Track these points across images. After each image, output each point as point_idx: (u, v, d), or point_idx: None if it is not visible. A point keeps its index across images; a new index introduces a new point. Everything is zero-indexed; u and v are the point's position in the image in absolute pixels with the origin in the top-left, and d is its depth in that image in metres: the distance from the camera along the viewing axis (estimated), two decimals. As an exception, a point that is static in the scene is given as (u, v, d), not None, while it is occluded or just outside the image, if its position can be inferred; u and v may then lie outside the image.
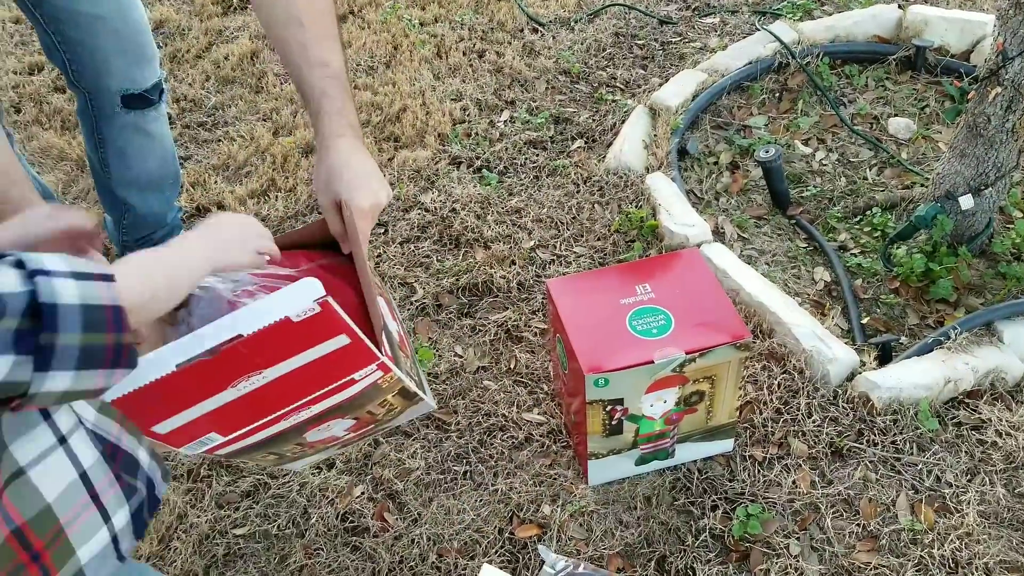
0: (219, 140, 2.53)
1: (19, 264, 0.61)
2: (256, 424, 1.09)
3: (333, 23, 1.10)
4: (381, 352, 1.01)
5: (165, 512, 1.56)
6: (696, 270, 1.50)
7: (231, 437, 1.09)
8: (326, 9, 1.10)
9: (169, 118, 2.59)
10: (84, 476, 0.77)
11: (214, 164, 2.43)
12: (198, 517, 1.56)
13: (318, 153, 1.08)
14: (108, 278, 0.67)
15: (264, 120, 2.59)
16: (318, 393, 1.09)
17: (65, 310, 0.63)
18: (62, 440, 0.74)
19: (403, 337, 1.31)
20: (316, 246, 1.10)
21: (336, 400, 1.13)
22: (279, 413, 1.09)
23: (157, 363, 0.84)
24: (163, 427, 0.95)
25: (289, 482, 1.61)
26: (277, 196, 2.28)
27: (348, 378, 1.10)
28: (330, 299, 0.93)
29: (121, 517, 0.84)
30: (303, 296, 0.93)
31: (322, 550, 1.51)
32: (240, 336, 0.93)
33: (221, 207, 2.24)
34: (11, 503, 0.70)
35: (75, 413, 0.81)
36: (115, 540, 0.83)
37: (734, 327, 1.39)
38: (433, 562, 1.48)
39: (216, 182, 2.34)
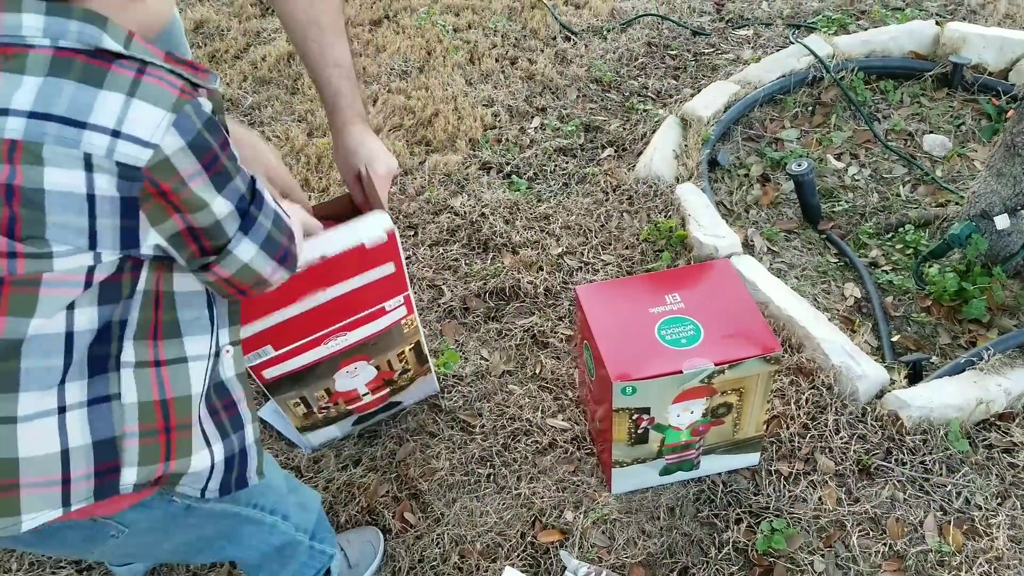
0: (253, 139, 2.56)
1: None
2: (304, 341, 1.33)
3: (342, 22, 1.30)
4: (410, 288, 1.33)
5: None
6: (727, 282, 1.50)
7: (282, 352, 1.32)
8: (337, 10, 1.29)
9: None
10: (64, 453, 0.86)
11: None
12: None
13: (334, 139, 1.31)
14: (288, 215, 0.96)
15: (299, 121, 2.62)
16: (357, 317, 1.35)
17: (267, 202, 0.91)
18: (61, 410, 0.85)
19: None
20: (341, 218, 1.28)
21: (368, 331, 1.40)
22: (324, 332, 1.34)
23: None
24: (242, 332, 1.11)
25: (315, 477, 1.63)
26: (311, 196, 2.30)
27: (381, 306, 1.38)
28: (395, 230, 1.19)
29: (218, 451, 0.96)
30: (378, 227, 1.19)
31: (345, 548, 1.52)
32: (324, 257, 1.17)
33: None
34: (168, 379, 0.88)
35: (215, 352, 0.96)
36: (211, 471, 0.95)
37: (764, 340, 1.38)
38: (455, 563, 1.49)
39: (249, 180, 2.37)
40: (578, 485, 1.60)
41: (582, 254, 2.06)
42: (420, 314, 1.94)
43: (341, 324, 1.34)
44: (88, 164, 0.76)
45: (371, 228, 1.19)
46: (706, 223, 1.98)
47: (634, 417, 1.42)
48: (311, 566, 1.28)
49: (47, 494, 0.83)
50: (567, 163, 2.34)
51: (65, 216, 0.77)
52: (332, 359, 1.40)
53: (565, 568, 1.43)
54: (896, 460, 1.57)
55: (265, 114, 2.66)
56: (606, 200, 2.20)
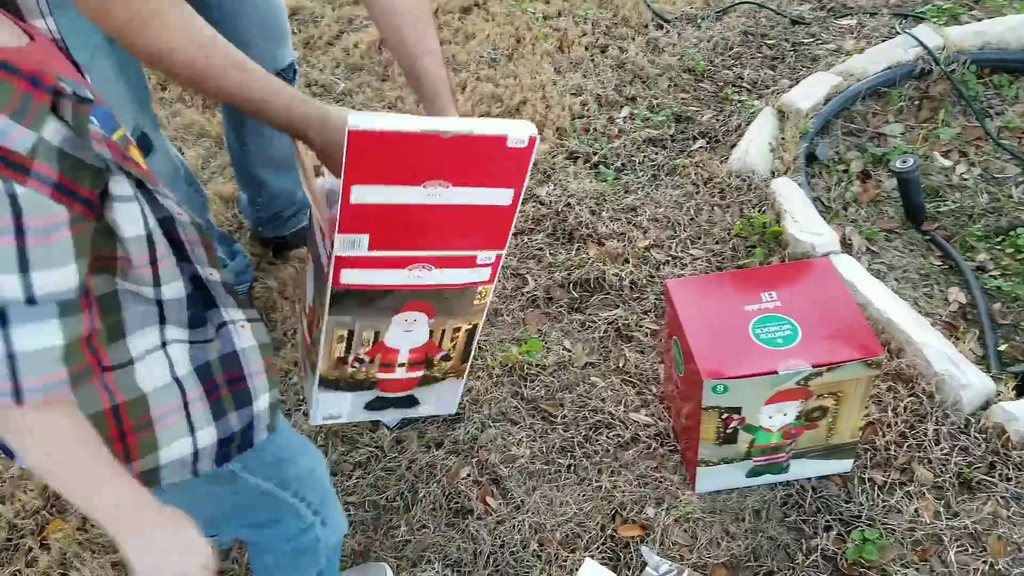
0: (344, 123, 2.61)
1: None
2: (396, 255, 1.28)
3: (430, 9, 1.31)
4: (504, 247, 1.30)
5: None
6: (828, 281, 1.45)
7: (373, 256, 1.27)
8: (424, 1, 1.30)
9: (300, 100, 2.70)
10: (177, 382, 0.85)
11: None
12: (311, 485, 1.62)
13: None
14: None
15: (389, 107, 2.65)
16: (450, 254, 1.32)
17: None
18: (164, 344, 0.84)
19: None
20: None
21: (449, 278, 1.35)
22: (416, 254, 1.30)
23: (407, 122, 1.05)
24: (358, 192, 1.13)
25: (399, 457, 1.65)
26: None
27: (474, 253, 1.34)
28: (537, 140, 1.14)
29: (206, 436, 0.91)
30: (524, 128, 1.15)
31: (427, 527, 1.54)
32: (471, 132, 1.14)
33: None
34: (115, 385, 0.81)
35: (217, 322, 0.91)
36: (196, 456, 0.90)
37: (866, 343, 1.33)
38: (534, 550, 1.49)
39: (340, 163, 2.42)
40: (660, 482, 1.58)
41: (670, 247, 2.03)
42: (504, 303, 1.94)
43: (434, 254, 1.32)
44: None
45: (518, 128, 1.16)
46: (803, 219, 1.92)
47: (724, 416, 1.39)
48: None
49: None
50: (656, 154, 2.30)
51: None
52: (403, 294, 1.37)
53: (646, 564, 1.42)
54: (1000, 475, 1.49)
55: (357, 100, 2.70)
56: (696, 193, 2.16)
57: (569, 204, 2.17)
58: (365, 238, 1.25)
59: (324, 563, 1.18)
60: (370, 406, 1.57)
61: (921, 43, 2.36)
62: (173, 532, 0.85)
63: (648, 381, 1.75)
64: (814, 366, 1.31)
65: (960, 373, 1.57)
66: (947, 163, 2.18)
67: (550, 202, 2.19)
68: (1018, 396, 1.59)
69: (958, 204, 2.06)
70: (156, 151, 1.60)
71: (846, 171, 2.22)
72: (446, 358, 1.53)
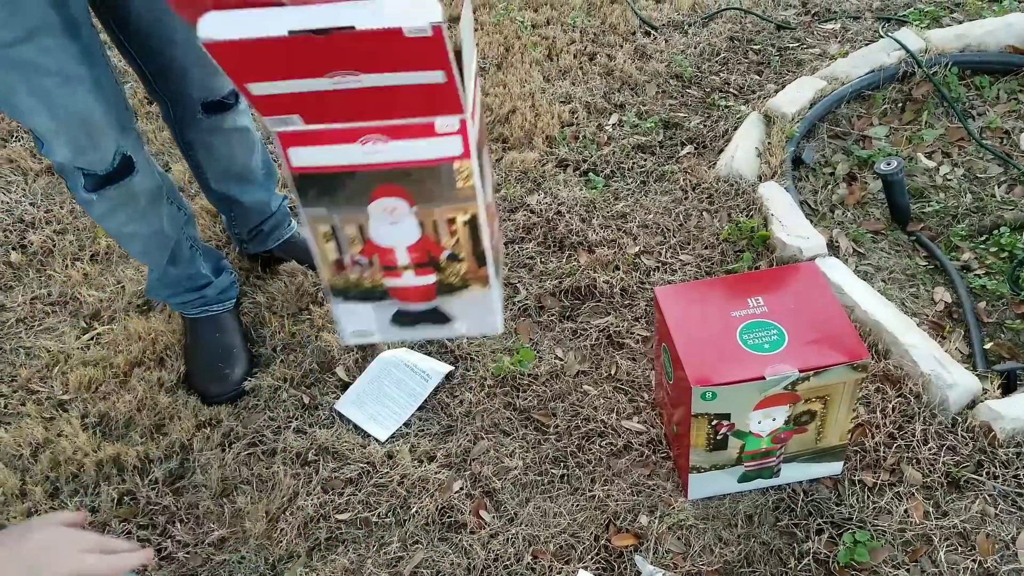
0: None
1: None
2: (337, 127, 1.14)
3: None
4: (468, 113, 1.08)
5: (277, 493, 1.63)
6: (813, 285, 1.46)
7: (312, 130, 1.13)
8: None
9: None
10: None
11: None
12: (304, 500, 1.62)
13: None
14: None
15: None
16: (399, 123, 1.14)
17: None
18: None
19: (492, 207, 1.29)
20: None
21: (411, 152, 1.17)
22: (360, 125, 1.14)
23: (270, 21, 0.89)
24: (257, 88, 1.03)
25: (391, 472, 1.66)
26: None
27: (429, 120, 1.15)
28: (443, 27, 0.94)
29: None
30: (421, 14, 0.95)
31: (420, 542, 1.55)
32: (352, 28, 0.96)
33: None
34: None
35: None
36: None
37: (852, 347, 1.34)
38: (528, 563, 1.50)
39: (330, 177, 2.43)
40: (653, 489, 1.58)
41: (660, 253, 2.04)
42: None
43: (380, 124, 1.15)
44: None
45: (413, 14, 0.97)
46: (790, 223, 1.94)
47: (713, 423, 1.40)
48: None
49: None
50: (645, 160, 2.31)
51: None
52: (368, 176, 1.22)
53: (640, 573, 1.43)
54: (988, 473, 1.51)
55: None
56: (685, 199, 2.17)
57: (559, 212, 2.19)
58: (296, 117, 1.14)
59: None
60: (397, 321, 1.41)
61: (903, 46, 2.38)
62: None
63: (640, 388, 1.76)
64: (801, 371, 1.32)
65: (946, 373, 1.58)
66: (931, 164, 2.20)
67: (540, 210, 2.20)
68: (1004, 394, 1.60)
69: (942, 204, 2.07)
70: (138, 171, 1.60)
71: (832, 174, 2.23)
72: (454, 258, 1.32)
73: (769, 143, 2.25)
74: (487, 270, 1.30)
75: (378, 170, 1.21)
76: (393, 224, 1.29)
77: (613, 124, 2.47)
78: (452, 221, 1.28)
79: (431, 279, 1.33)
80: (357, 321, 1.43)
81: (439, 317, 1.49)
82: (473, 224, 1.26)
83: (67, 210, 2.39)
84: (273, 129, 1.14)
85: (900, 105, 2.37)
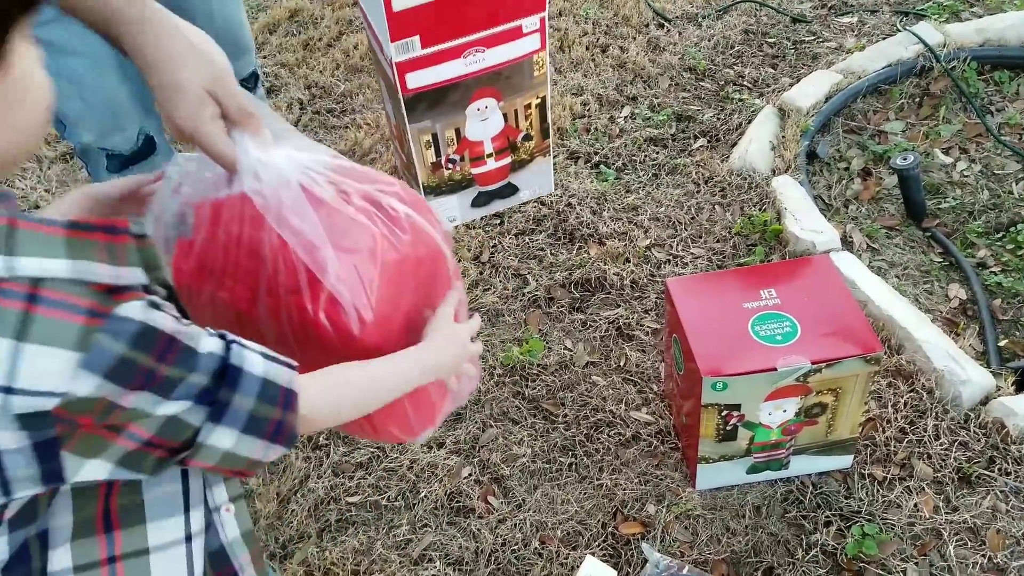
0: (346, 127, 2.61)
1: (222, 335, 0.69)
2: (447, 46, 1.44)
3: None
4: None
5: (288, 475, 1.64)
6: (827, 278, 1.45)
7: (427, 53, 1.42)
8: None
9: (300, 104, 2.71)
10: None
11: (341, 150, 2.52)
12: (315, 483, 1.63)
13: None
14: (292, 366, 0.73)
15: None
16: (495, 31, 1.47)
17: (248, 376, 0.70)
18: (188, 539, 0.74)
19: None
20: None
21: (503, 55, 1.50)
22: (465, 41, 1.45)
23: None
24: (398, 2, 1.29)
25: (400, 457, 1.66)
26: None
27: (518, 23, 1.49)
28: None
29: None
30: None
31: (429, 526, 1.55)
32: None
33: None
34: (123, 573, 0.71)
35: (216, 524, 0.80)
36: None
37: (865, 339, 1.33)
38: (536, 548, 1.50)
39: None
40: (661, 479, 1.58)
41: (671, 247, 2.03)
42: (505, 303, 1.95)
43: (481, 35, 1.44)
44: None
45: None
46: (803, 217, 1.93)
47: (723, 413, 1.39)
48: None
49: None
50: (657, 153, 2.30)
51: None
52: (467, 83, 1.52)
53: (647, 561, 1.42)
54: (1000, 470, 1.49)
55: (357, 102, 2.71)
56: (697, 192, 2.16)
57: (570, 204, 2.18)
58: (416, 39, 1.39)
59: None
60: (476, 203, 1.75)
61: (922, 40, 2.36)
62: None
63: (649, 380, 1.76)
64: (813, 362, 1.32)
65: (960, 369, 1.57)
66: (948, 160, 2.18)
67: (551, 202, 2.19)
68: (1018, 391, 1.59)
69: (959, 201, 2.06)
70: (159, 153, 1.61)
71: (847, 169, 2.22)
72: (527, 138, 1.68)
73: (783, 137, 2.24)
74: (549, 142, 1.67)
75: (477, 76, 1.52)
76: (484, 120, 1.59)
77: (625, 117, 2.46)
78: (528, 106, 1.62)
79: (507, 160, 1.68)
80: (444, 211, 1.70)
81: (509, 190, 1.76)
82: (542, 104, 1.64)
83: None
84: (398, 59, 1.39)
85: (917, 100, 2.35)
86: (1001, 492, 1.47)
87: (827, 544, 1.44)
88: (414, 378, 0.87)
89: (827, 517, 1.47)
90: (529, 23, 1.49)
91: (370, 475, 1.64)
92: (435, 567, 1.49)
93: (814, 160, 2.23)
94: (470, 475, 1.63)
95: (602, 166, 2.30)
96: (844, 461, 1.52)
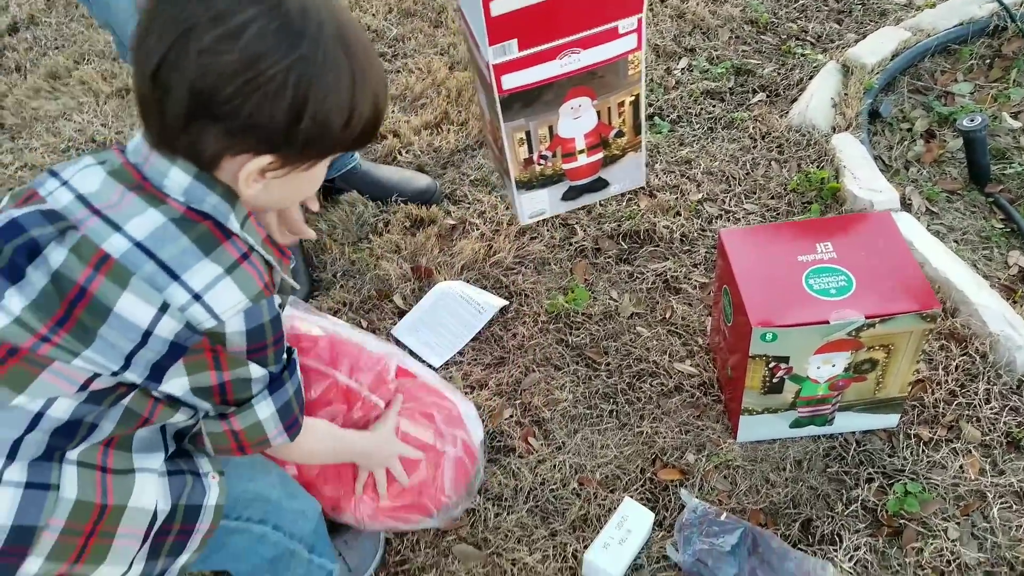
0: (398, 71, 2.61)
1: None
2: (544, 48, 1.45)
3: None
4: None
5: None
6: (886, 234, 1.42)
7: (523, 56, 1.44)
8: None
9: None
10: (169, 511, 0.94)
11: (392, 94, 2.52)
12: (360, 416, 1.66)
13: None
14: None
15: (441, 54, 2.65)
16: (591, 32, 1.46)
17: (297, 374, 1.00)
18: (167, 473, 0.95)
19: None
20: None
21: (598, 56, 1.49)
22: (561, 42, 1.45)
23: None
24: (498, 5, 1.33)
25: (444, 396, 1.69)
26: (449, 129, 2.34)
27: (614, 24, 1.46)
28: None
29: (135, 571, 0.95)
30: None
31: (470, 463, 1.58)
32: None
33: (396, 135, 2.33)
34: (112, 486, 0.90)
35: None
36: None
37: (923, 296, 1.31)
38: (574, 488, 1.52)
39: (393, 112, 2.43)
40: (702, 430, 1.59)
41: (724, 201, 2.01)
42: (552, 252, 1.95)
43: (577, 37, 1.44)
44: (163, 307, 0.82)
45: None
46: (862, 176, 1.88)
47: (771, 366, 1.39)
48: None
49: None
50: (714, 107, 2.26)
51: (116, 338, 0.82)
52: (561, 83, 1.52)
53: (684, 506, 1.44)
54: (1052, 438, 1.47)
55: (408, 46, 2.70)
56: (754, 147, 2.12)
57: (622, 155, 2.16)
58: (513, 42, 1.41)
59: (307, 557, 1.22)
60: (566, 196, 1.77)
61: (998, -1, 2.27)
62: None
63: (694, 333, 1.75)
64: (867, 317, 1.30)
65: (1016, 334, 1.54)
66: (1016, 124, 2.11)
67: (603, 152, 2.17)
68: (1076, 361, 1.55)
69: (1025, 167, 1.99)
70: None
71: (910, 129, 2.16)
72: (619, 135, 1.67)
73: (846, 94, 2.18)
74: (641, 137, 1.69)
75: (571, 76, 1.52)
76: (576, 119, 1.60)
77: (682, 68, 2.42)
78: (621, 104, 1.61)
79: (599, 156, 1.70)
80: (533, 204, 1.76)
81: (600, 184, 1.76)
82: (636, 102, 1.62)
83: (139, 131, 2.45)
84: (494, 61, 1.43)
85: (988, 61, 2.26)
86: (1051, 459, 1.45)
87: (868, 500, 1.43)
88: (350, 453, 1.28)
89: (869, 474, 1.47)
90: (626, 24, 1.47)
91: (414, 410, 1.67)
92: (475, 501, 1.52)
93: (876, 119, 2.17)
94: (511, 416, 1.65)
95: (656, 118, 2.27)
96: (890, 420, 1.51)
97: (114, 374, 0.84)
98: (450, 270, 1.93)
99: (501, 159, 1.69)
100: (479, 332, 1.81)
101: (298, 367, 1.00)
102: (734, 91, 2.31)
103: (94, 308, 0.81)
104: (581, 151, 1.69)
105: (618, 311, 1.82)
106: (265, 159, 0.85)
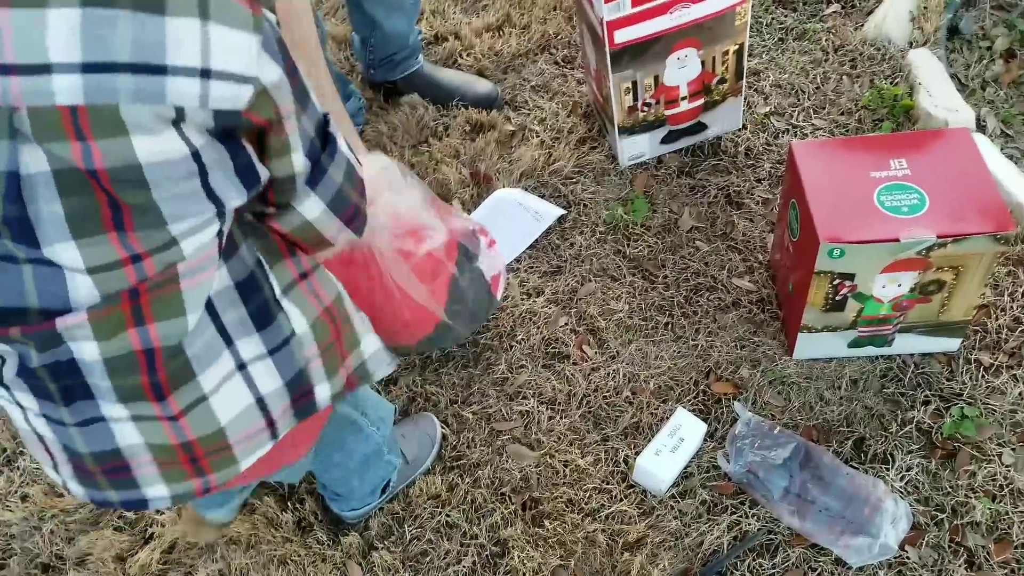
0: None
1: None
2: (651, 5, 1.51)
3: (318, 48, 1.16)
4: None
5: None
6: (963, 152, 1.38)
7: (636, 12, 1.49)
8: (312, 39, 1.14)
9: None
10: (260, 401, 0.83)
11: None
12: (418, 318, 1.70)
13: None
14: (359, 164, 0.84)
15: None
16: None
17: (340, 152, 0.78)
18: (241, 367, 0.80)
19: None
20: None
21: (708, 8, 1.55)
22: None
23: None
24: None
25: (500, 304, 1.71)
26: (511, 32, 2.29)
27: None
28: None
29: (372, 340, 0.96)
30: None
31: (525, 367, 1.62)
32: None
33: (458, 37, 2.28)
34: (187, 424, 0.79)
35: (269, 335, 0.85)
36: (373, 354, 0.95)
37: (998, 217, 1.28)
38: (627, 396, 1.55)
39: (455, 13, 2.38)
40: (758, 345, 1.59)
41: (791, 115, 1.95)
42: (612, 163, 1.93)
43: None
44: (179, 117, 0.59)
45: None
46: (938, 93, 1.81)
47: (835, 282, 1.37)
48: (381, 477, 1.31)
49: (257, 440, 0.85)
50: (786, 16, 2.17)
51: (176, 187, 0.62)
52: (670, 36, 1.59)
53: (737, 418, 1.46)
54: (1117, 369, 1.45)
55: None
56: (825, 60, 2.05)
57: (686, 66, 2.10)
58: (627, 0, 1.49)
59: (386, 457, 1.29)
60: (665, 140, 1.85)
61: (1101, -94, 2.11)
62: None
63: (755, 249, 1.74)
64: (939, 236, 1.27)
65: (1091, 262, 1.50)
66: (1109, 44, 1.99)
67: (666, 63, 2.11)
68: None
69: (1114, 89, 1.90)
70: None
71: (989, 48, 2.05)
72: (722, 81, 1.75)
73: (925, 8, 2.08)
74: (742, 83, 1.75)
75: (680, 29, 1.59)
76: (682, 68, 1.68)
77: (754, -24, 2.31)
78: (726, 52, 1.68)
79: (700, 101, 1.77)
80: (634, 148, 1.83)
81: (699, 128, 1.84)
82: (740, 51, 1.69)
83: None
84: (609, 18, 1.48)
85: (1084, -25, 2.13)
86: (1115, 389, 1.43)
87: (923, 422, 1.44)
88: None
89: (926, 396, 1.47)
90: None
91: (472, 314, 1.70)
92: (529, 404, 1.56)
93: (955, 36, 2.07)
94: (566, 324, 1.67)
95: (723, 28, 2.19)
96: (951, 344, 1.50)
97: (222, 219, 0.68)
98: (509, 177, 1.92)
99: (605, 106, 1.75)
100: (536, 240, 1.81)
101: (340, 140, 0.79)
102: (808, 1, 2.21)
103: (122, 179, 0.60)
104: (684, 98, 1.75)
105: (677, 224, 1.81)
106: None
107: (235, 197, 0.67)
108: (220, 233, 0.69)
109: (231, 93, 0.60)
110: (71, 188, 0.59)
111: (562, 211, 1.85)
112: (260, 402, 0.83)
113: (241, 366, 0.79)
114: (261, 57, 0.61)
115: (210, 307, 0.74)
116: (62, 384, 0.73)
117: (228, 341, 0.77)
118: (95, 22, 0.55)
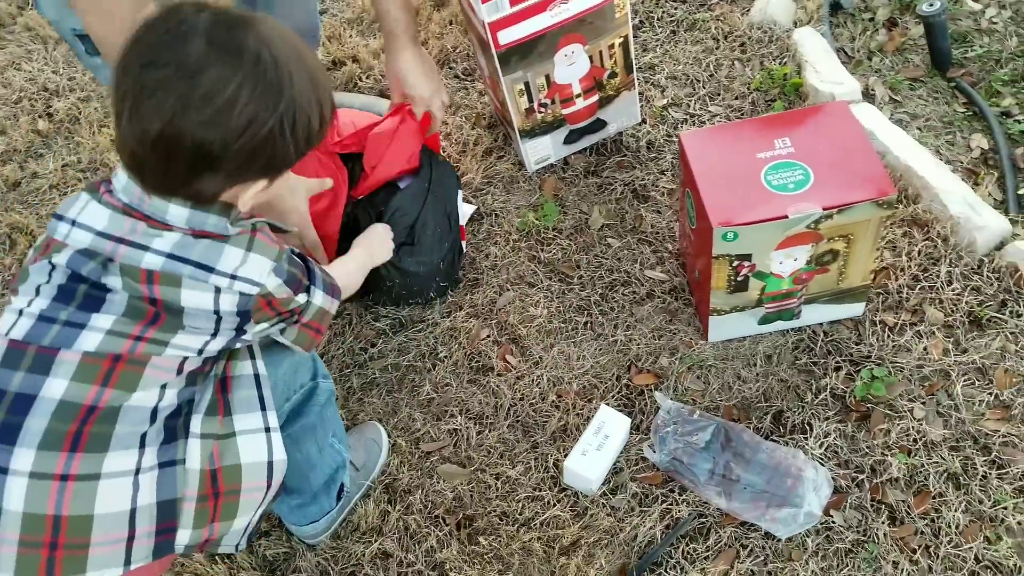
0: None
1: (301, 257, 1.12)
2: (530, 3, 1.55)
3: None
4: None
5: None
6: (842, 124, 1.43)
7: (514, 11, 1.55)
8: None
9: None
10: (132, 512, 0.96)
11: (348, 18, 2.46)
12: (337, 350, 1.69)
13: (388, 61, 1.66)
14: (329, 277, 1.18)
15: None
16: None
17: (317, 270, 1.15)
18: (136, 471, 0.96)
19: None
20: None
21: (587, 2, 1.60)
22: None
23: None
24: None
25: (420, 323, 1.71)
26: (409, 51, 2.29)
27: None
28: None
29: (257, 515, 1.10)
30: None
31: (450, 384, 1.62)
32: None
33: (356, 60, 2.28)
34: (70, 493, 0.92)
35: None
36: (246, 529, 1.08)
37: (879, 183, 1.32)
38: (553, 401, 1.56)
39: (351, 36, 2.38)
40: (674, 333, 1.62)
41: (688, 105, 1.99)
42: (519, 170, 1.94)
43: None
44: (217, 291, 0.98)
45: None
46: (824, 69, 1.87)
47: (734, 264, 1.41)
48: (331, 465, 1.36)
49: (112, 552, 0.93)
50: (676, 9, 2.22)
51: (199, 322, 0.98)
52: (553, 33, 1.63)
53: (659, 408, 1.48)
54: (1011, 312, 1.51)
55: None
56: (716, 48, 2.10)
57: (584, 67, 2.13)
58: (505, 1, 1.53)
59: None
60: (567, 140, 1.89)
61: None
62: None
63: (664, 239, 1.77)
64: (824, 208, 1.31)
65: (976, 215, 1.56)
66: (976, 6, 2.08)
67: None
68: (1036, 237, 1.58)
69: (986, 49, 1.98)
70: None
71: (872, 19, 2.13)
72: (612, 75, 1.79)
73: (806, -13, 2.14)
74: (633, 75, 1.81)
75: (562, 26, 1.63)
76: (571, 64, 1.71)
77: (641, -27, 2.36)
78: (611, 46, 1.72)
79: (595, 98, 1.81)
80: (538, 151, 1.87)
81: (598, 125, 1.89)
82: (625, 43, 1.74)
83: (89, 77, 2.39)
84: (488, 20, 1.54)
85: (949, -58, 2.21)
86: (1011, 333, 1.49)
87: (836, 388, 1.48)
88: (366, 266, 1.48)
89: (837, 363, 1.51)
90: None
91: (392, 340, 1.69)
92: (456, 421, 1.56)
93: (838, 11, 2.14)
94: (488, 336, 1.68)
95: (616, 27, 2.22)
96: (856, 309, 1.54)
97: (199, 352, 0.99)
98: (417, 196, 1.92)
99: (504, 112, 1.78)
100: (451, 256, 1.81)
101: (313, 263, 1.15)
102: (694, -8, 2.26)
103: (169, 307, 0.96)
104: (578, 95, 1.78)
105: (588, 224, 1.83)
106: (260, 183, 1.00)
107: (224, 338, 1.02)
108: (184, 360, 0.99)
109: (247, 288, 0.99)
110: (133, 295, 0.97)
111: (473, 206, 1.87)
112: (132, 513, 0.94)
113: (137, 471, 0.94)
114: (270, 275, 1.01)
115: (153, 415, 0.96)
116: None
117: (142, 444, 0.95)
118: (185, 240, 0.97)
